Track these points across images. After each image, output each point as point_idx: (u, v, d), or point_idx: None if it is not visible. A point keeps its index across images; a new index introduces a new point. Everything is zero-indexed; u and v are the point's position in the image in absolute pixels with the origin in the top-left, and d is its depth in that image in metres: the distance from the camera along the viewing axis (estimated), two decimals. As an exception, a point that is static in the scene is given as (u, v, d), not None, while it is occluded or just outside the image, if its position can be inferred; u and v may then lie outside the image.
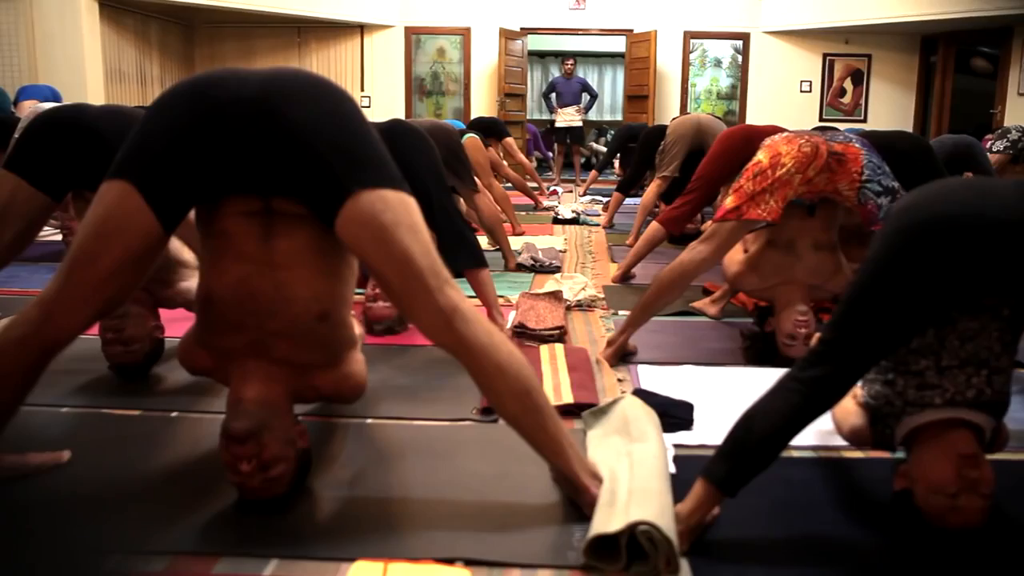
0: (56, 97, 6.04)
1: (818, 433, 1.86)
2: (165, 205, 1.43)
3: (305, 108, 1.43)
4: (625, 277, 3.92)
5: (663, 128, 5.16)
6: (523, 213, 6.18)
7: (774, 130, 2.73)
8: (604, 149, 10.77)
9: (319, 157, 1.41)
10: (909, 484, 1.46)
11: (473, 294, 2.81)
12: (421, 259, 1.42)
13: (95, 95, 7.65)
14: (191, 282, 2.29)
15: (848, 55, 10.32)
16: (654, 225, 3.84)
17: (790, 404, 1.39)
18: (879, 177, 2.38)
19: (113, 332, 2.22)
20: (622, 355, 2.58)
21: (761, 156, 2.45)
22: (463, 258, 2.74)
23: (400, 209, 1.44)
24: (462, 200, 4.14)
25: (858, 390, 1.63)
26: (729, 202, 2.45)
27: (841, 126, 3.92)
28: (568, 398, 2.14)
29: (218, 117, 1.41)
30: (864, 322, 1.38)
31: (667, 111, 9.94)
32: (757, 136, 2.75)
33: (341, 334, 1.64)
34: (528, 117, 11.08)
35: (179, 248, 2.36)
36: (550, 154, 10.80)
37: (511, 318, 2.98)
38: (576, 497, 1.55)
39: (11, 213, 2.23)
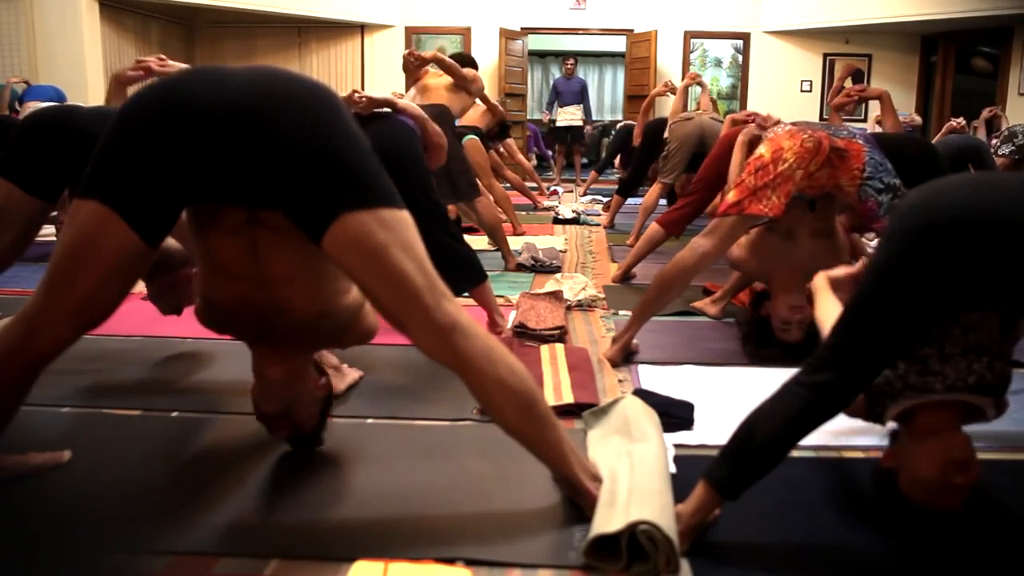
0: (60, 98, 6.02)
1: (818, 433, 1.86)
2: (144, 222, 1.37)
3: (291, 119, 1.35)
4: (625, 277, 3.92)
5: (662, 122, 5.15)
6: (523, 213, 6.17)
7: None
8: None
9: (304, 175, 1.34)
10: (895, 465, 1.49)
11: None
12: (416, 278, 1.37)
13: (95, 95, 7.64)
14: None
15: (848, 55, 10.32)
16: (654, 226, 3.84)
17: (793, 409, 1.38)
18: (880, 174, 2.39)
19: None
20: (626, 354, 2.58)
21: (763, 150, 2.45)
22: (462, 280, 2.72)
23: (393, 227, 1.37)
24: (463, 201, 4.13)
25: None
26: (731, 196, 2.45)
27: (842, 126, 3.91)
28: (568, 398, 2.14)
29: (195, 127, 1.33)
30: (870, 327, 1.35)
31: (667, 111, 9.93)
32: (758, 137, 2.75)
33: (345, 315, 1.61)
34: (528, 117, 11.08)
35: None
36: (549, 152, 10.80)
37: (511, 318, 2.99)
38: (578, 500, 1.55)
39: (7, 219, 2.22)
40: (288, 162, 1.34)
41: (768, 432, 1.38)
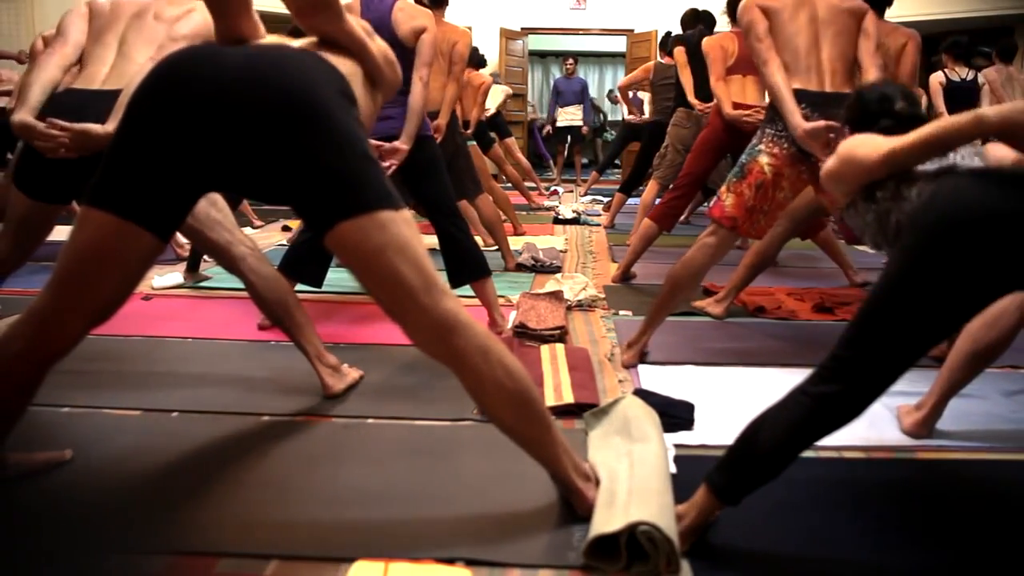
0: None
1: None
2: (159, 225, 1.42)
3: (284, 128, 1.34)
4: (625, 277, 3.92)
5: (665, 125, 5.13)
6: (524, 213, 6.18)
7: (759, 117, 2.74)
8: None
9: (299, 188, 1.38)
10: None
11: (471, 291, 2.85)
12: (411, 278, 1.38)
13: (95, 95, 7.64)
14: None
15: (849, 55, 10.31)
16: (647, 222, 3.86)
17: (796, 419, 1.35)
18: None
19: None
20: (641, 356, 2.58)
21: (765, 165, 2.41)
22: (467, 273, 2.81)
23: (388, 228, 1.38)
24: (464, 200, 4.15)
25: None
26: (729, 205, 2.44)
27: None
28: (569, 398, 2.14)
29: (198, 126, 1.34)
30: (878, 343, 1.31)
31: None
32: (745, 129, 2.74)
33: None
34: (528, 117, 11.09)
35: None
36: (539, 138, 10.81)
37: (512, 318, 2.99)
38: (570, 499, 1.55)
39: (31, 227, 2.25)
40: (283, 176, 1.37)
41: (770, 441, 1.37)
